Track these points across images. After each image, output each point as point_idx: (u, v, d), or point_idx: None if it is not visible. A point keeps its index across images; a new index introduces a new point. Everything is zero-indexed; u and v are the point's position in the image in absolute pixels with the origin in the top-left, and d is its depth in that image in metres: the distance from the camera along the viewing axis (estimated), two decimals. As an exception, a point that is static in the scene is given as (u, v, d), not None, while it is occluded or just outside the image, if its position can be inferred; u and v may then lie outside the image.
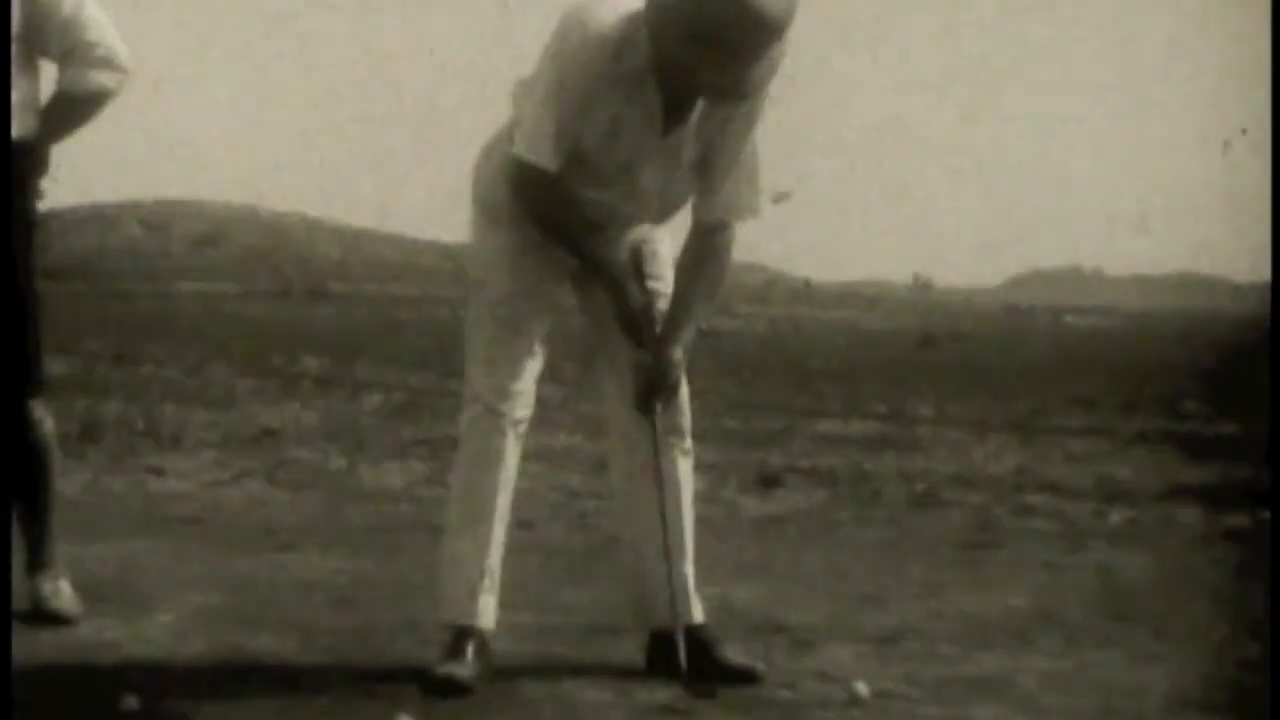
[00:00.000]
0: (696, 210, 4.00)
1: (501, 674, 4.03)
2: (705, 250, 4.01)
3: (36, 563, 4.47)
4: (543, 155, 3.81)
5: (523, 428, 4.02)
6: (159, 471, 7.50)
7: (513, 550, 4.15)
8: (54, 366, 4.34)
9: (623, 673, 4.11)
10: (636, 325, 3.93)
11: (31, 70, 4.35)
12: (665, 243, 4.12)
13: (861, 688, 3.95)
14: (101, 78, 4.41)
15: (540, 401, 4.13)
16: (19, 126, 4.29)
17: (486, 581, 3.97)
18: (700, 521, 4.25)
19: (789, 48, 3.76)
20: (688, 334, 4.01)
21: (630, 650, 4.19)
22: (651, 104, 3.82)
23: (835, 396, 14.07)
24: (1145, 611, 5.08)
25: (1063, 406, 13.82)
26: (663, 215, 4.05)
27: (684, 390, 4.12)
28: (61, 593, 4.45)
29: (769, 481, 8.02)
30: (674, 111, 3.84)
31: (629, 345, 4.00)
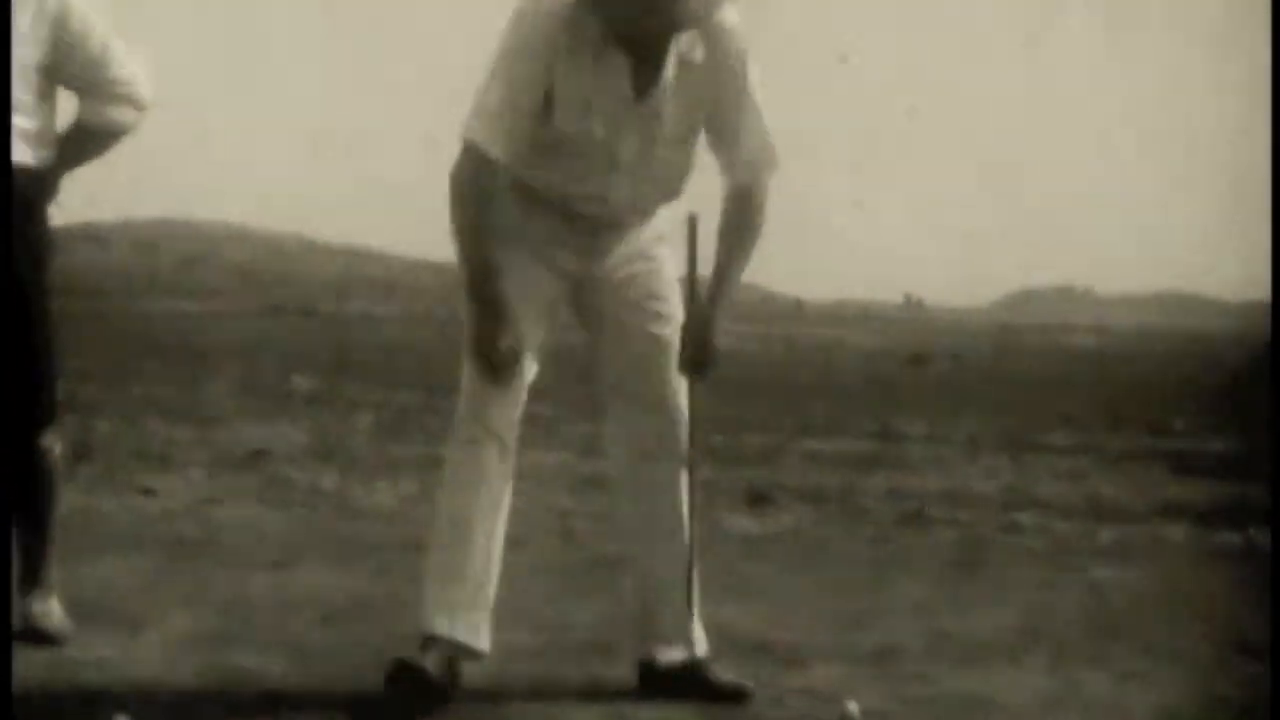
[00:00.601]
0: (725, 177, 4.00)
1: (493, 694, 4.03)
2: (738, 214, 4.00)
3: (31, 582, 4.48)
4: (491, 141, 3.79)
5: (508, 453, 3.99)
6: (150, 491, 7.49)
7: (506, 570, 4.16)
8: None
9: (615, 692, 4.11)
10: (487, 362, 3.88)
11: (51, 100, 4.36)
12: (668, 261, 4.10)
13: (852, 707, 3.95)
14: (122, 114, 4.44)
15: (532, 420, 4.13)
16: (36, 155, 4.31)
17: (478, 599, 3.95)
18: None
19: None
20: (728, 298, 4.03)
21: (623, 670, 4.20)
22: (618, 68, 3.80)
23: (825, 415, 14.08)
24: (1134, 630, 5.09)
25: (1052, 425, 13.84)
26: (654, 196, 4.00)
27: (682, 400, 4.11)
28: (52, 613, 4.45)
29: (758, 500, 8.03)
30: (644, 74, 3.82)
31: (638, 363, 4.05)
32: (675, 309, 4.08)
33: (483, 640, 3.96)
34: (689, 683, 4.06)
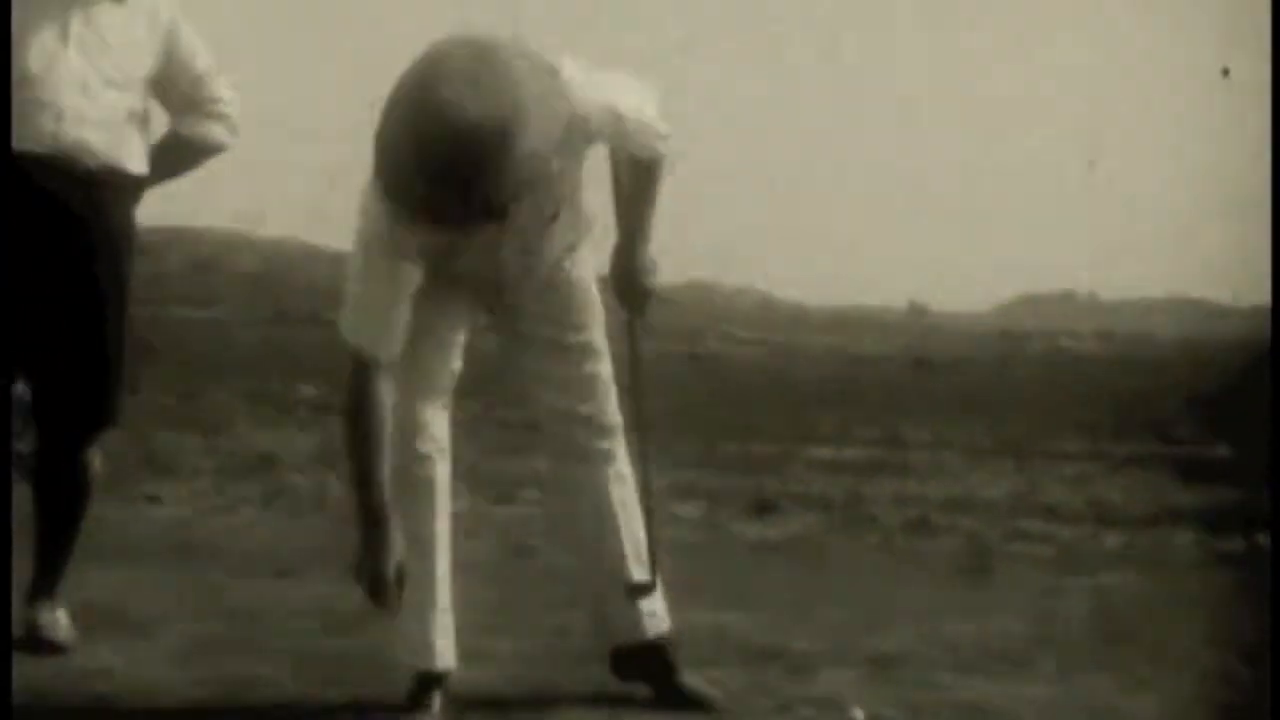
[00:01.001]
0: (615, 154, 3.94)
1: (497, 701, 4.03)
2: (637, 171, 3.93)
3: (40, 591, 4.48)
4: (372, 342, 3.63)
5: (445, 462, 3.93)
6: (155, 499, 7.49)
7: (510, 577, 4.17)
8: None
9: (618, 699, 4.11)
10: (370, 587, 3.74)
11: (146, 113, 4.39)
12: (586, 264, 4.00)
13: (858, 713, 3.95)
14: (218, 132, 4.50)
15: (532, 426, 4.13)
16: (136, 162, 4.34)
17: (440, 619, 3.91)
18: (695, 547, 4.26)
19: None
20: (647, 231, 3.98)
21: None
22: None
23: (830, 422, 14.08)
24: (1140, 635, 5.09)
25: (1057, 431, 13.84)
26: (556, 253, 3.92)
27: (607, 376, 4.04)
28: (58, 622, 4.45)
29: (764, 507, 8.03)
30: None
31: (545, 365, 3.98)
32: (591, 314, 4.02)
33: (447, 660, 3.94)
34: (653, 665, 4.09)
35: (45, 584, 4.49)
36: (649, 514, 4.13)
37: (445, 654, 3.92)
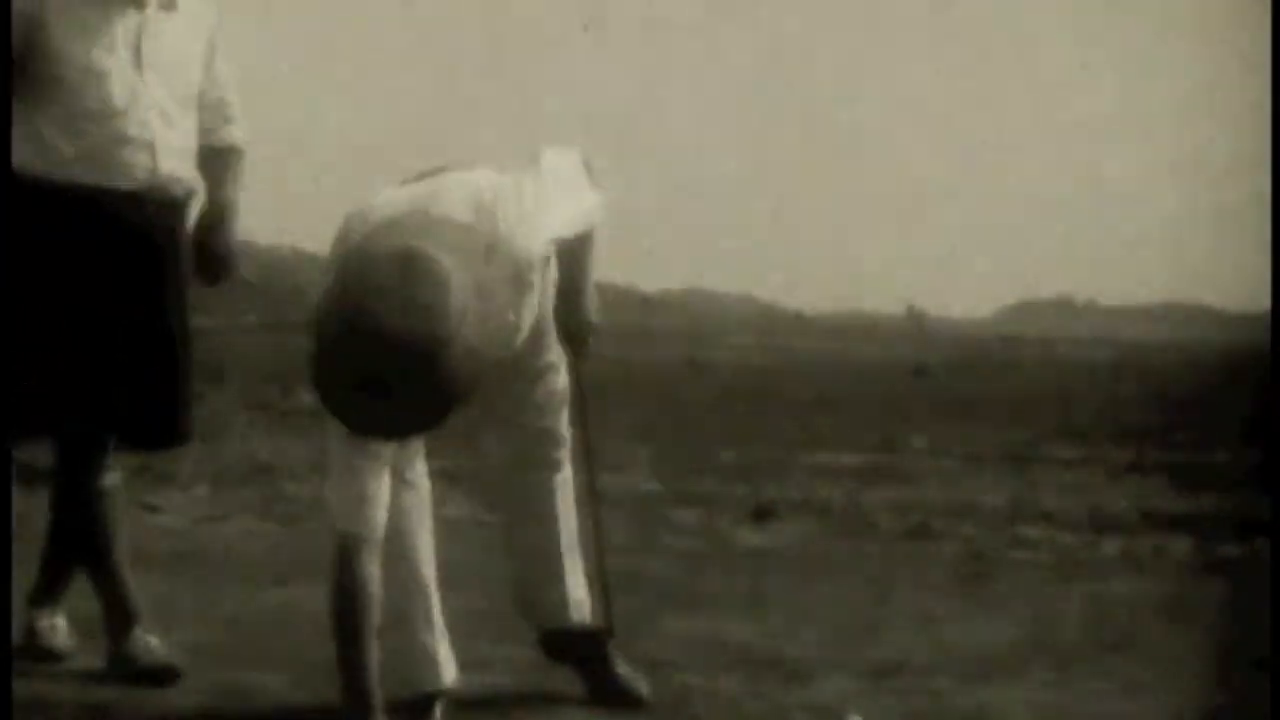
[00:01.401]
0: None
1: (500, 706, 4.03)
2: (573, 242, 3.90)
3: (43, 598, 4.47)
4: (354, 520, 3.46)
5: (426, 487, 3.93)
6: (153, 507, 7.49)
7: (507, 584, 4.16)
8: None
9: (616, 705, 4.11)
10: None
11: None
12: (541, 280, 3.83)
13: (856, 720, 3.96)
14: (240, 136, 4.46)
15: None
16: (187, 171, 4.31)
17: (440, 637, 3.91)
18: (693, 554, 4.26)
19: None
20: (588, 275, 4.01)
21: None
22: None
23: (828, 428, 14.07)
24: (1139, 641, 5.09)
25: (1056, 437, 13.83)
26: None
27: (564, 389, 4.16)
28: (58, 629, 4.44)
29: (762, 513, 8.02)
30: None
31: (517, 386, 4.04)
32: (550, 336, 4.06)
33: (448, 675, 3.95)
34: (592, 670, 4.21)
35: (48, 588, 4.48)
36: (598, 538, 4.29)
37: (447, 669, 3.92)
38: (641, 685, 4.21)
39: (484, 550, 4.44)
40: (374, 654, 3.47)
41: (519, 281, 3.53)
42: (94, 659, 4.38)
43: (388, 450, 3.50)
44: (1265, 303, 4.05)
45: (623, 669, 4.23)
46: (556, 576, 4.21)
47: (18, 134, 4.11)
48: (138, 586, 4.42)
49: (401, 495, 3.78)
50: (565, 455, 4.22)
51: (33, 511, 4.58)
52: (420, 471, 3.91)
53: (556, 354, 4.13)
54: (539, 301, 3.83)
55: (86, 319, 4.18)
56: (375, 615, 3.47)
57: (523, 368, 4.02)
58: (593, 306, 4.09)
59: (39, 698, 3.99)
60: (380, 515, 3.49)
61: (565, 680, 4.24)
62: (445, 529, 3.98)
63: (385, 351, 3.08)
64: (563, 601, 4.21)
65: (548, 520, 4.20)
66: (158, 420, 4.32)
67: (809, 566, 6.59)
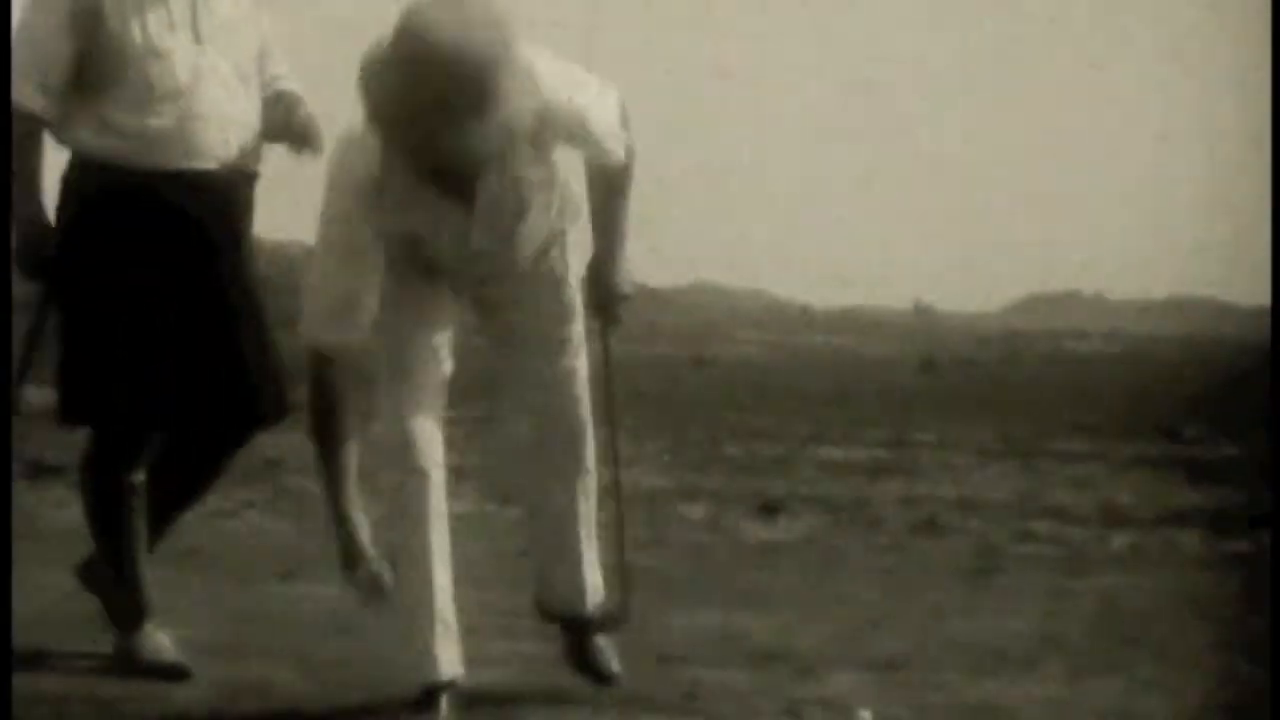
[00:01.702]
0: (588, 163, 3.94)
1: (506, 702, 4.03)
2: (606, 181, 3.97)
3: (135, 616, 4.40)
4: (334, 328, 3.70)
5: (439, 473, 3.88)
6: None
7: (517, 579, 4.15)
8: (55, 398, 4.32)
9: (625, 700, 4.11)
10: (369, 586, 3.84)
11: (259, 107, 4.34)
12: (574, 253, 3.99)
13: (866, 715, 3.95)
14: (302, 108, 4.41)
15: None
16: (252, 159, 4.31)
17: (440, 629, 3.85)
18: (702, 548, 4.24)
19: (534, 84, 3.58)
20: (621, 241, 4.04)
21: (632, 678, 4.19)
22: (424, 187, 3.66)
23: (836, 423, 14.05)
24: (1147, 636, 5.08)
25: (1064, 431, 13.81)
26: (531, 248, 3.89)
27: (585, 372, 4.04)
28: (164, 644, 4.36)
29: (770, 509, 8.01)
30: (452, 176, 3.65)
31: (535, 362, 3.97)
32: (572, 307, 4.02)
33: (452, 668, 3.89)
34: (572, 646, 4.17)
35: (137, 606, 4.42)
36: (619, 516, 4.23)
37: (449, 664, 3.88)
38: (613, 667, 4.16)
39: (491, 545, 4.44)
40: (353, 472, 3.79)
41: (539, 130, 3.66)
42: (103, 654, 4.37)
43: (378, 270, 3.68)
44: (1269, 299, 4.03)
45: (603, 643, 4.18)
46: (574, 566, 4.13)
47: (83, 124, 4.13)
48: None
49: (410, 483, 3.81)
50: (587, 443, 4.08)
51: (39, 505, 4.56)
52: (435, 460, 3.87)
53: (580, 332, 4.03)
54: (560, 220, 3.89)
55: (161, 305, 4.19)
56: (352, 433, 3.75)
57: (546, 337, 3.96)
58: (625, 275, 4.08)
59: (45, 693, 3.99)
60: (362, 329, 3.69)
61: (570, 678, 4.23)
62: (452, 524, 3.97)
63: (447, 59, 3.40)
64: (579, 589, 4.14)
65: (567, 511, 4.10)
66: (250, 398, 4.32)
67: (817, 561, 6.58)
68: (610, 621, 4.21)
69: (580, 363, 4.03)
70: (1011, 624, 5.22)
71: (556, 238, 3.94)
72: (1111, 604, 5.72)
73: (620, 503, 4.27)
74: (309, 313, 3.73)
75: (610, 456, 4.22)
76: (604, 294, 4.09)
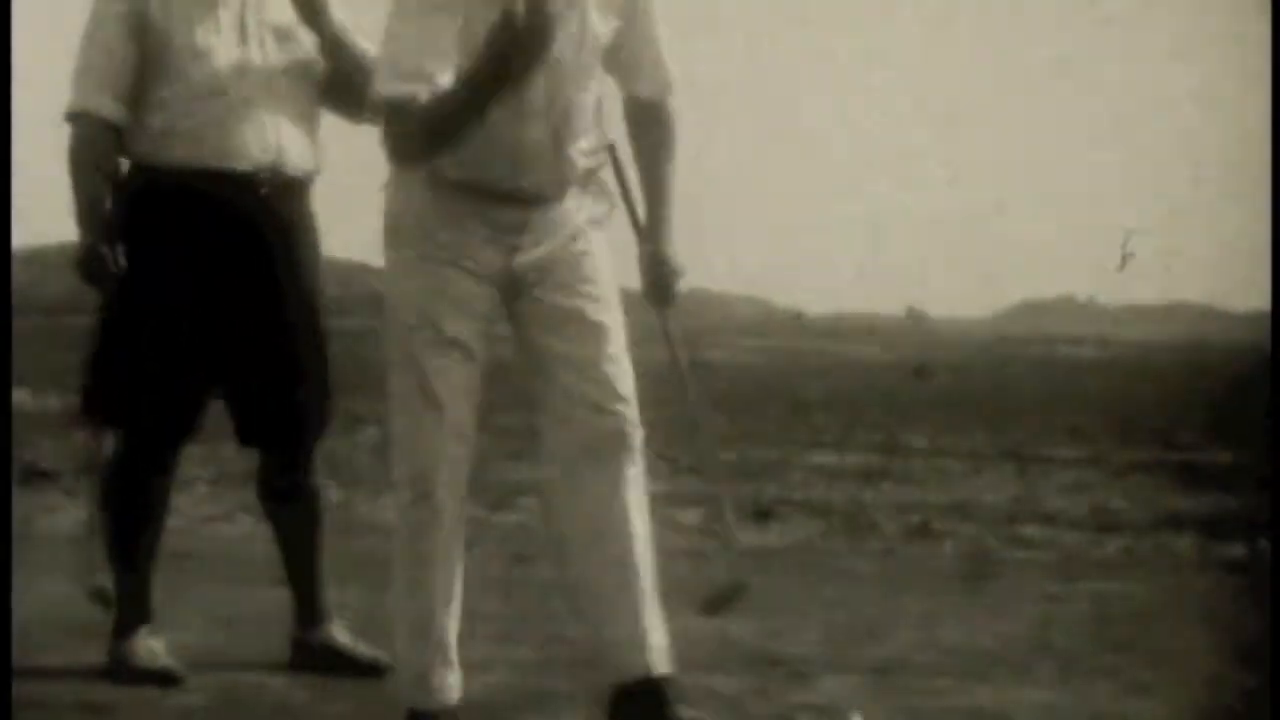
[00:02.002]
0: (629, 95, 3.79)
1: (500, 708, 4.02)
2: (654, 131, 3.82)
3: (307, 618, 4.46)
4: (425, 64, 3.38)
5: (457, 511, 3.65)
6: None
7: (509, 585, 4.15)
8: (49, 402, 4.32)
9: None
10: None
11: (317, 112, 4.32)
12: (599, 241, 3.76)
13: (858, 720, 3.94)
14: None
15: (529, 433, 4.10)
16: (310, 161, 4.29)
17: (439, 659, 3.68)
18: (695, 553, 4.22)
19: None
20: (670, 217, 3.84)
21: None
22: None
23: (829, 428, 14.07)
24: (1141, 641, 5.08)
25: (1057, 437, 13.83)
26: (569, 141, 3.61)
27: (628, 363, 3.72)
28: (156, 650, 4.35)
29: (764, 513, 8.01)
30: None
31: (572, 374, 3.65)
32: (610, 291, 3.72)
33: (447, 695, 3.72)
34: (650, 708, 3.66)
35: (307, 610, 4.47)
36: (725, 537, 4.08)
37: (443, 691, 3.70)
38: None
39: (479, 551, 4.42)
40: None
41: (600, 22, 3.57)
42: (94, 658, 4.37)
43: (468, 405, 3.56)
44: (1264, 301, 4.03)
45: (685, 711, 3.70)
46: (631, 613, 3.69)
47: (136, 128, 4.13)
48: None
49: (423, 507, 3.64)
50: (636, 445, 3.70)
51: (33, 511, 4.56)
52: (454, 493, 3.65)
53: (618, 319, 3.73)
54: (595, 207, 3.75)
55: (204, 312, 4.18)
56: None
57: (581, 316, 3.68)
58: (675, 254, 3.86)
59: (35, 699, 3.98)
60: (457, 489, 3.57)
61: (565, 683, 4.23)
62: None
63: None
64: (639, 645, 3.70)
65: (617, 526, 3.68)
66: (295, 411, 4.34)
67: (810, 566, 6.59)
68: (737, 592, 4.01)
69: (623, 353, 3.72)
70: (1004, 629, 5.22)
71: (591, 225, 3.73)
72: (1104, 609, 5.72)
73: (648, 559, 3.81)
74: (382, 67, 3.47)
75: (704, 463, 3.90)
76: (658, 271, 3.84)
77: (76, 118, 4.14)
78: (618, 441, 3.67)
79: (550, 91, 3.54)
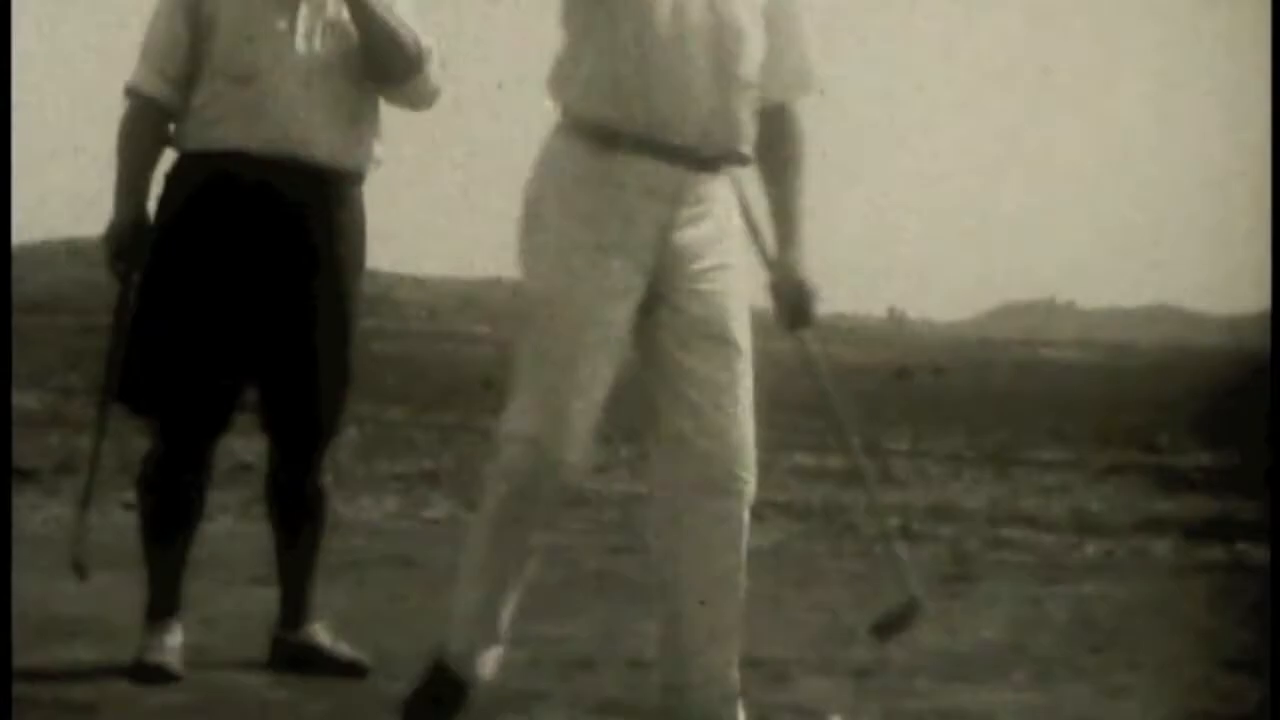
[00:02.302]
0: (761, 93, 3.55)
1: (484, 708, 4.02)
2: (783, 140, 3.61)
3: (290, 619, 4.47)
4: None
5: (575, 476, 3.52)
6: (134, 506, 7.45)
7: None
8: (29, 401, 4.32)
9: (601, 706, 4.11)
10: None
11: (370, 111, 4.28)
12: (740, 253, 3.62)
13: (837, 722, 3.95)
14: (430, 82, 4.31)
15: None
16: (362, 154, 4.27)
17: (491, 635, 3.65)
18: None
19: None
20: (801, 235, 3.62)
21: (607, 684, 4.19)
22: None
23: (810, 430, 14.08)
24: (1120, 644, 5.09)
25: (1037, 439, 13.85)
26: (733, 98, 3.47)
27: (751, 389, 3.62)
28: (173, 648, 4.37)
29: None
30: None
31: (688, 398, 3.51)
32: (743, 314, 3.59)
33: (485, 670, 3.69)
34: None
35: (292, 611, 4.49)
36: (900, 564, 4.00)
37: (486, 665, 3.67)
38: None
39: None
40: None
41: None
42: (87, 655, 4.36)
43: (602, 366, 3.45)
44: (1249, 305, 4.04)
45: None
46: (724, 666, 3.70)
47: (184, 112, 4.15)
48: (120, 589, 4.41)
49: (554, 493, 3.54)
50: (751, 476, 3.60)
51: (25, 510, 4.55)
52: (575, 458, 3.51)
53: (747, 343, 3.60)
54: (732, 244, 3.61)
55: (242, 301, 4.17)
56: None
57: (711, 331, 3.54)
58: (806, 272, 3.65)
59: (22, 697, 3.97)
60: (582, 447, 3.44)
61: (559, 685, 4.23)
62: (425, 530, 3.97)
63: None
64: (730, 699, 3.71)
65: (727, 574, 3.65)
66: (310, 410, 4.36)
67: (791, 568, 6.59)
68: (911, 611, 3.96)
69: (749, 378, 3.63)
70: (984, 631, 5.23)
71: (728, 256, 3.59)
72: (1084, 611, 5.73)
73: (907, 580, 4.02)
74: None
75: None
76: (794, 291, 3.66)
77: (128, 93, 4.20)
78: (731, 473, 3.56)
79: (714, 45, 3.42)
